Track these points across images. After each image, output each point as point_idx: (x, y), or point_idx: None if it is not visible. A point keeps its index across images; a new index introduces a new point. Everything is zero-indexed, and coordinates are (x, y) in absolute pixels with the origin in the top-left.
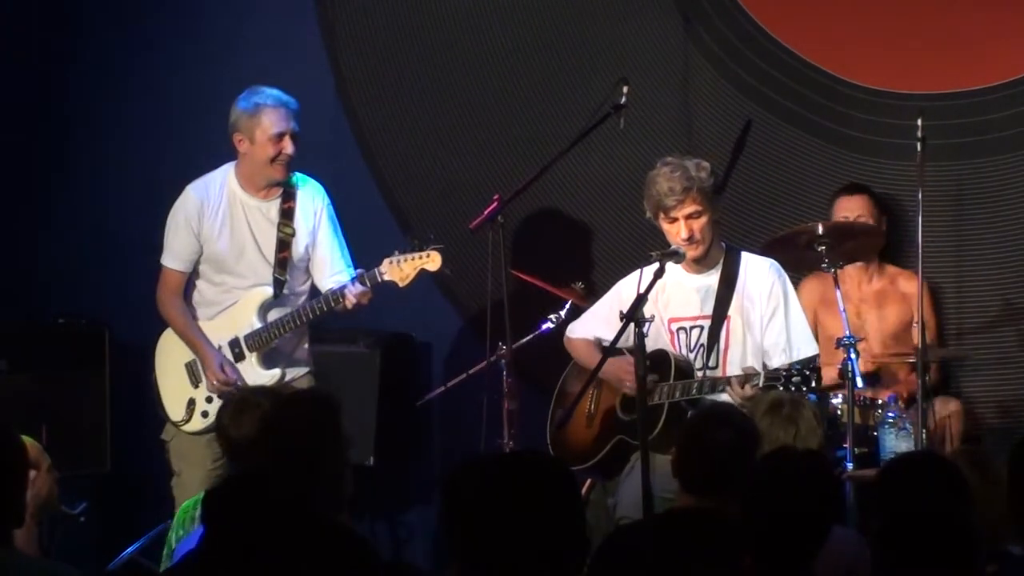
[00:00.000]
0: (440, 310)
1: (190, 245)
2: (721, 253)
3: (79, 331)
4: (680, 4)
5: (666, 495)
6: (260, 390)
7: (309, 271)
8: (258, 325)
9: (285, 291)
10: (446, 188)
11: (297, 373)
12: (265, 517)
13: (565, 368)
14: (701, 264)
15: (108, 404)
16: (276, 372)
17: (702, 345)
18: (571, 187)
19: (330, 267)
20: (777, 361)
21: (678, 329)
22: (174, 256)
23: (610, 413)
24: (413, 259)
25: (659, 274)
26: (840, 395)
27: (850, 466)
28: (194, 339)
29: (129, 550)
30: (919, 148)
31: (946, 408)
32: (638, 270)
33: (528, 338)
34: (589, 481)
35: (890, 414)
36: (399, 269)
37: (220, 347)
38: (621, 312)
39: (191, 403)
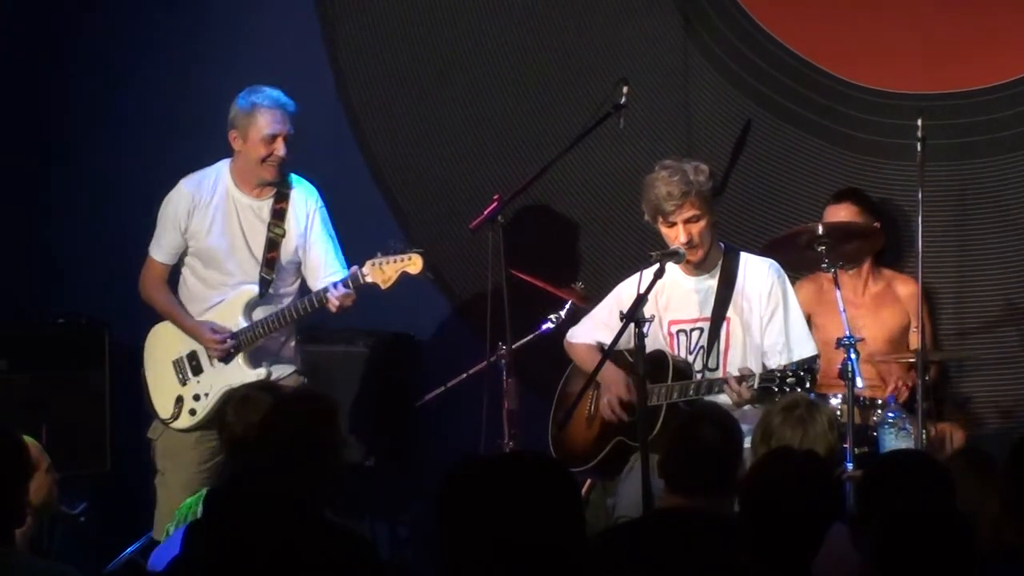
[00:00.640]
0: (440, 310)
1: (175, 239)
2: (720, 254)
3: (79, 331)
4: (680, 4)
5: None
6: (263, 385)
7: (298, 272)
8: (244, 324)
9: (271, 291)
10: (446, 188)
11: (283, 372)
12: (265, 517)
13: (565, 369)
14: (700, 266)
15: (108, 404)
16: (262, 371)
17: (702, 347)
18: (571, 187)
19: (324, 268)
20: (776, 361)
21: (678, 331)
22: (159, 248)
23: None
24: (394, 261)
25: (659, 274)
26: (840, 395)
27: (850, 466)
28: (177, 315)
29: (129, 550)
30: (919, 148)
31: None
32: (638, 272)
33: (528, 338)
34: (589, 481)
35: (890, 414)
36: (381, 271)
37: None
38: (621, 312)
39: (179, 400)
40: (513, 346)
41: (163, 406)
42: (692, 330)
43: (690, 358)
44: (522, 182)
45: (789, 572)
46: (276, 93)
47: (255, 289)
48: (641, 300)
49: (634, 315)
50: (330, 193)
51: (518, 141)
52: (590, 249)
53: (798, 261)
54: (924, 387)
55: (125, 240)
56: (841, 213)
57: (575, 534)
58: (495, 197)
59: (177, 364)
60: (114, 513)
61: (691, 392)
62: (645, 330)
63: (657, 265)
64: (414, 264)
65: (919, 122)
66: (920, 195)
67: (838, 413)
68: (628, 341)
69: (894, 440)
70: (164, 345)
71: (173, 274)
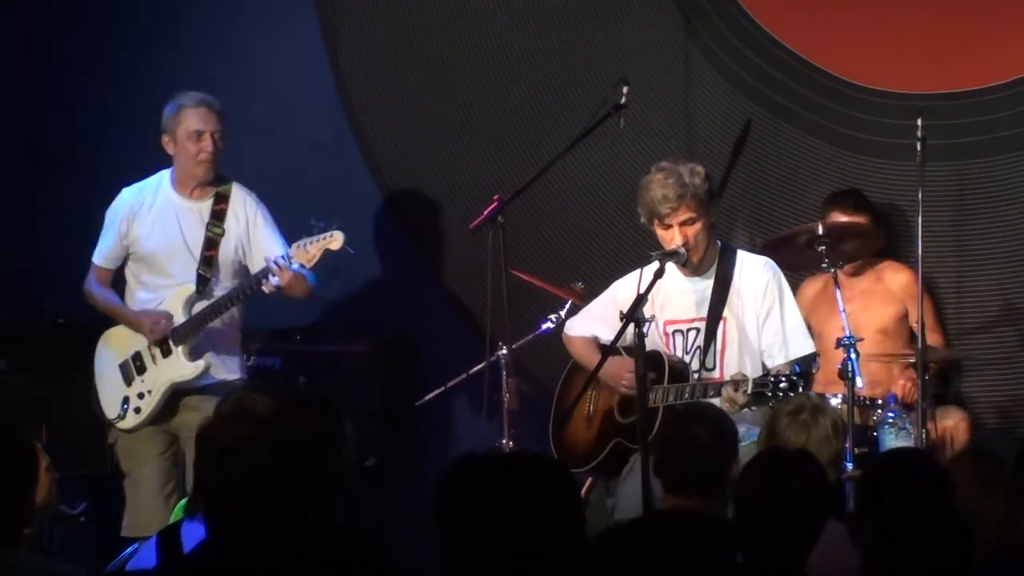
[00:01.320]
0: (440, 310)
1: (115, 246)
2: (716, 254)
3: (79, 331)
4: (680, 4)
5: None
6: (245, 399)
7: (238, 273)
8: (184, 320)
9: (209, 288)
10: (446, 188)
11: (229, 376)
12: (267, 517)
13: (565, 368)
14: (696, 267)
15: None
16: (200, 364)
17: (698, 347)
18: (571, 187)
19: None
20: (774, 360)
21: (674, 331)
22: (100, 254)
23: (608, 415)
24: (317, 241)
25: (659, 274)
26: (840, 395)
27: (850, 466)
28: (114, 308)
29: (129, 550)
30: (919, 148)
31: (947, 417)
32: (637, 270)
33: (528, 338)
34: (589, 481)
35: (890, 414)
36: (305, 252)
37: (148, 346)
38: (621, 312)
39: (125, 400)
40: (513, 346)
41: (110, 407)
42: (688, 330)
43: (686, 358)
44: (522, 182)
45: (784, 572)
46: (202, 94)
47: (192, 286)
48: (641, 300)
49: (634, 315)
50: (330, 193)
51: (518, 141)
52: (590, 249)
53: (798, 261)
54: (924, 387)
55: None
56: (841, 213)
57: (575, 534)
58: (495, 197)
59: (123, 367)
60: (114, 513)
61: (687, 396)
62: (645, 330)
63: (656, 264)
64: (335, 241)
65: (919, 122)
66: (920, 195)
67: (838, 413)
68: (627, 340)
69: (894, 440)
70: (110, 351)
71: (120, 283)
